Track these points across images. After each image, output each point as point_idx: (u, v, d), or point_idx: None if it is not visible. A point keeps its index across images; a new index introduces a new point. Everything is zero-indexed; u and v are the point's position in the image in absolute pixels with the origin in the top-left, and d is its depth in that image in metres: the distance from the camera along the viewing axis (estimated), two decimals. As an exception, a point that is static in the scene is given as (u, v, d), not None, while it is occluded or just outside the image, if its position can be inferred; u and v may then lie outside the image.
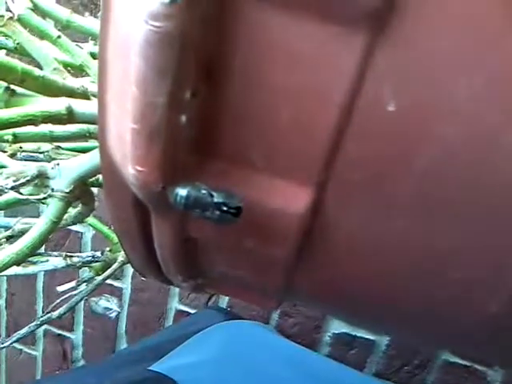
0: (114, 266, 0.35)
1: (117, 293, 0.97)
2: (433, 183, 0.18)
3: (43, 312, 0.96)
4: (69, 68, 0.34)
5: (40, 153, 0.38)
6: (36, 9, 0.33)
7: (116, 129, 0.18)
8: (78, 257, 0.34)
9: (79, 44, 0.35)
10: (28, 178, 0.29)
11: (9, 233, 0.37)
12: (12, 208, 0.33)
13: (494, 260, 0.21)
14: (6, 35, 0.34)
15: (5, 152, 0.33)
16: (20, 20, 0.28)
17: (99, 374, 0.61)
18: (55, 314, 0.34)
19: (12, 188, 0.28)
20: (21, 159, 0.38)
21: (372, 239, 0.21)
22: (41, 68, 0.31)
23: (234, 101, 0.18)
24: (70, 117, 0.24)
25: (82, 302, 0.97)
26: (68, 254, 0.34)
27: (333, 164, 0.19)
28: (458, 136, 0.18)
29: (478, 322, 0.23)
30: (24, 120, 0.22)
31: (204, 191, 0.18)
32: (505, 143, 0.18)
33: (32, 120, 0.23)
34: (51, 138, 0.28)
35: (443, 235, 0.20)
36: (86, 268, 0.41)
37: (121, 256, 0.35)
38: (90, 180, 0.34)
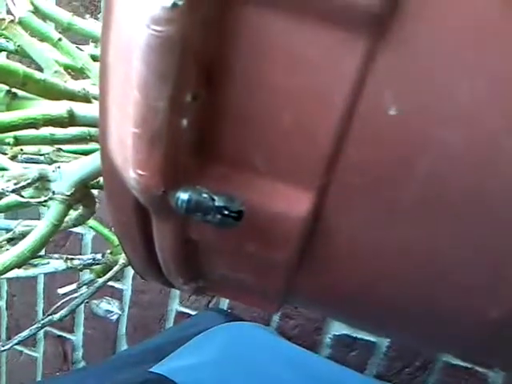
0: (115, 269, 0.35)
1: (117, 294, 0.97)
2: (435, 187, 0.18)
3: (44, 314, 0.96)
4: (69, 70, 0.34)
5: (41, 155, 0.38)
6: (37, 11, 0.33)
7: (117, 133, 0.18)
8: (78, 259, 0.34)
9: (80, 46, 0.35)
10: (29, 181, 0.29)
11: (10, 235, 0.37)
12: (13, 211, 0.33)
13: (494, 264, 0.21)
14: (6, 38, 0.34)
15: (5, 154, 0.33)
16: (21, 23, 0.28)
17: (100, 375, 0.61)
18: (56, 316, 0.34)
19: (13, 191, 0.28)
20: (21, 161, 0.38)
21: (373, 243, 0.21)
22: (41, 70, 0.31)
23: (234, 104, 0.18)
24: (71, 120, 0.24)
25: (83, 304, 0.97)
26: (69, 256, 0.34)
27: (334, 168, 0.19)
28: (459, 140, 0.18)
29: (478, 326, 0.23)
30: (25, 123, 0.22)
31: (205, 195, 0.18)
32: (507, 146, 0.18)
33: (33, 123, 0.23)
34: (52, 141, 0.28)
35: (445, 239, 0.20)
36: (87, 270, 0.41)
37: (122, 258, 0.35)
38: (91, 182, 0.34)
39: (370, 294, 0.23)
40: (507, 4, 0.16)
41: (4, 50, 0.35)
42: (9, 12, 0.30)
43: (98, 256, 0.35)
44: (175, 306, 0.97)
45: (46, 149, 0.38)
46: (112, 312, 0.37)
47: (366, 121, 0.18)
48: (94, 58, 0.33)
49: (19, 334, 0.33)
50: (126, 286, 0.98)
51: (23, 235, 0.35)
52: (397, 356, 0.84)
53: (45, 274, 1.02)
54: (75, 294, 0.35)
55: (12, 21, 0.29)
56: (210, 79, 0.17)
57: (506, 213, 0.19)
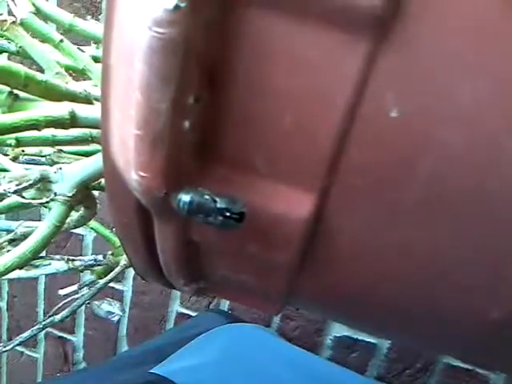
0: (117, 270, 0.35)
1: (118, 295, 0.97)
2: (436, 188, 0.18)
3: (45, 315, 0.96)
4: (71, 72, 0.34)
5: (42, 156, 0.38)
6: (38, 12, 0.33)
7: (119, 134, 0.18)
8: (80, 260, 0.34)
9: (81, 48, 0.35)
10: (30, 182, 0.29)
11: (11, 236, 0.37)
12: (14, 212, 0.33)
13: (494, 264, 0.21)
14: (8, 39, 0.34)
15: (7, 155, 0.33)
16: (22, 24, 0.29)
17: (100, 376, 0.61)
18: (58, 317, 0.34)
19: (14, 192, 0.28)
20: (23, 163, 0.38)
21: (375, 244, 0.21)
22: (43, 72, 0.31)
23: (236, 106, 0.18)
24: (72, 121, 0.24)
25: (83, 305, 0.97)
26: (70, 257, 0.34)
27: (336, 169, 0.19)
28: (460, 140, 0.18)
29: (479, 326, 0.23)
30: (27, 125, 0.22)
31: (207, 197, 0.18)
32: (507, 147, 0.18)
33: (35, 125, 0.23)
34: (53, 142, 0.28)
35: (446, 239, 0.20)
36: (88, 271, 0.41)
37: (123, 260, 0.35)
38: (92, 184, 0.34)
39: (371, 295, 0.23)
40: (507, 4, 0.16)
41: (5, 52, 0.35)
42: (10, 13, 0.30)
43: (100, 257, 0.35)
44: (176, 307, 0.97)
45: (47, 150, 0.38)
46: (113, 313, 0.37)
47: (367, 122, 0.18)
48: (96, 60, 0.33)
49: (20, 335, 0.33)
50: (127, 287, 0.98)
51: (24, 236, 0.35)
52: (397, 358, 0.83)
53: (46, 275, 1.02)
54: (76, 296, 0.35)
55: (13, 22, 0.29)
56: (213, 81, 0.18)
57: (507, 213, 0.19)
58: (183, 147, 0.18)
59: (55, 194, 0.27)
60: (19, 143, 0.27)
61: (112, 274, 0.34)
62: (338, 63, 0.17)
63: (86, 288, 0.38)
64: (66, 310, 0.34)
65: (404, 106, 0.17)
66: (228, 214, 0.18)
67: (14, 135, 0.27)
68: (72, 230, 0.91)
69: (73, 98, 0.26)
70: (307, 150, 0.19)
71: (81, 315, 1.03)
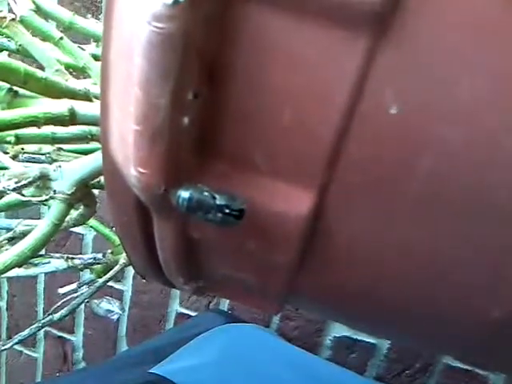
0: (116, 269, 0.35)
1: (117, 295, 0.97)
2: (435, 186, 0.18)
3: (44, 314, 0.96)
4: (71, 70, 0.34)
5: (42, 154, 0.38)
6: (38, 10, 0.33)
7: (118, 130, 0.18)
8: (79, 259, 0.34)
9: (81, 46, 0.35)
10: (30, 180, 0.29)
11: (10, 234, 0.37)
12: (13, 210, 0.33)
13: (494, 264, 0.21)
14: (8, 37, 0.34)
15: (6, 153, 0.33)
16: (22, 21, 0.29)
17: (100, 376, 0.61)
18: (56, 316, 0.34)
19: (14, 190, 0.28)
20: (22, 161, 0.38)
21: (374, 243, 0.21)
22: (43, 69, 0.31)
23: (235, 102, 0.18)
24: (72, 118, 0.24)
25: (83, 305, 0.97)
26: (70, 256, 0.34)
27: (335, 166, 0.19)
28: (459, 138, 0.18)
29: (479, 326, 0.23)
30: (26, 121, 0.22)
31: (206, 193, 0.18)
32: (506, 145, 0.18)
33: (34, 121, 0.23)
34: (53, 140, 0.28)
35: (445, 239, 0.20)
36: (87, 270, 0.41)
37: (122, 258, 0.35)
38: (92, 182, 0.34)
39: (370, 294, 0.23)
40: (507, 1, 0.16)
41: (5, 50, 0.35)
42: (10, 11, 0.30)
43: (99, 256, 0.35)
44: (175, 306, 0.97)
45: (46, 148, 0.38)
46: (113, 312, 0.37)
47: (366, 120, 0.18)
48: (96, 58, 0.33)
49: (19, 333, 0.33)
50: (127, 286, 0.98)
51: (24, 234, 0.35)
52: (397, 358, 0.83)
53: (45, 274, 1.02)
54: (75, 294, 0.35)
55: (13, 19, 0.29)
56: (212, 77, 0.17)
57: (506, 211, 0.19)
58: (182, 143, 0.18)
59: (54, 191, 0.27)
60: (19, 140, 0.27)
61: (111, 273, 0.34)
62: (337, 60, 0.17)
63: (85, 287, 0.37)
64: (65, 309, 0.34)
65: (403, 102, 0.17)
66: (227, 210, 0.18)
67: (13, 132, 0.27)
68: (72, 229, 0.91)
69: (72, 95, 0.26)
70: (306, 146, 0.18)
71: (80, 315, 1.03)
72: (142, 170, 0.17)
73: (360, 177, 0.19)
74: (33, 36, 0.31)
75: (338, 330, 0.86)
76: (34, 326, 0.33)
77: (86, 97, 0.27)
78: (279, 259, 0.22)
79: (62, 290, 0.37)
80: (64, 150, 0.37)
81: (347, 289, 0.23)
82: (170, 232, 0.23)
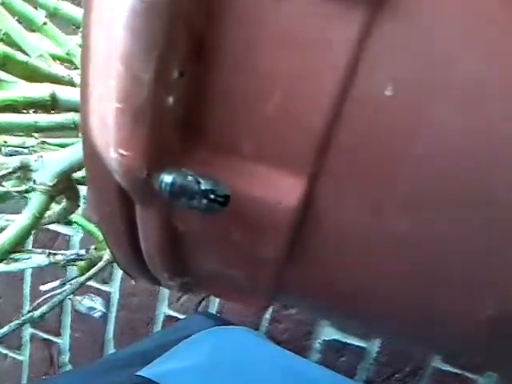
0: (100, 265, 0.34)
1: (105, 297, 0.96)
2: (430, 172, 0.18)
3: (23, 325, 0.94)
4: (55, 60, 0.33)
5: (25, 147, 0.37)
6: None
7: (99, 110, 0.17)
8: (62, 255, 0.33)
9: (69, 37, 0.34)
10: (10, 170, 0.28)
11: (-9, 229, 0.36)
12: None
13: (490, 258, 0.20)
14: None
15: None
16: (3, 4, 0.27)
17: (86, 378, 0.60)
18: (37, 313, 0.33)
19: (-7, 180, 0.27)
20: (5, 154, 0.37)
21: (363, 235, 0.20)
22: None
23: (222, 84, 0.17)
24: (53, 103, 0.23)
25: (70, 306, 0.95)
26: (52, 251, 0.33)
27: (326, 153, 0.18)
28: (457, 123, 0.17)
29: (474, 325, 0.22)
30: (4, 105, 0.21)
31: (190, 178, 0.17)
32: (503, 129, 0.17)
33: (12, 105, 0.22)
34: (36, 129, 0.27)
35: (438, 229, 0.19)
36: (75, 269, 0.40)
37: (106, 254, 0.34)
38: (78, 177, 0.33)
39: (359, 288, 0.22)
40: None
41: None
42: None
43: (82, 252, 0.34)
44: (164, 309, 0.96)
45: (30, 141, 0.37)
46: (95, 309, 0.36)
47: (359, 103, 0.17)
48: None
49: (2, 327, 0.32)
50: (114, 288, 0.96)
51: (4, 230, 0.34)
52: (387, 362, 0.83)
53: (31, 275, 1.00)
54: (59, 290, 0.34)
55: (-4, 4, 0.28)
56: (199, 54, 0.17)
57: (503, 200, 0.18)
58: (166, 124, 0.17)
59: (34, 181, 0.26)
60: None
61: (95, 269, 0.33)
62: (331, 36, 0.16)
63: (69, 284, 0.36)
64: (46, 306, 0.33)
65: (399, 82, 0.16)
66: (212, 196, 0.17)
67: (-7, 120, 0.26)
68: (59, 231, 0.89)
69: (55, 81, 0.25)
70: (295, 132, 0.18)
71: (67, 317, 1.01)
72: (123, 152, 0.16)
73: (351, 164, 0.18)
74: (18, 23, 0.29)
75: (328, 333, 0.85)
76: (13, 323, 0.32)
77: (70, 84, 0.26)
78: (267, 251, 0.21)
79: (44, 287, 0.36)
80: (48, 144, 0.36)
81: (335, 281, 0.22)
82: (153, 222, 0.22)
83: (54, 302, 0.33)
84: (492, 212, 0.19)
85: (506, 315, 0.22)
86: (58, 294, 0.33)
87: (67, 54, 0.28)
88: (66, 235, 0.96)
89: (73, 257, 0.33)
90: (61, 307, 0.99)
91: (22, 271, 1.00)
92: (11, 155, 0.37)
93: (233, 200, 0.18)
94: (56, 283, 0.35)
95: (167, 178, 0.17)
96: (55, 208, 0.34)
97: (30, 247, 0.38)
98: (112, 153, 0.17)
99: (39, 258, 0.33)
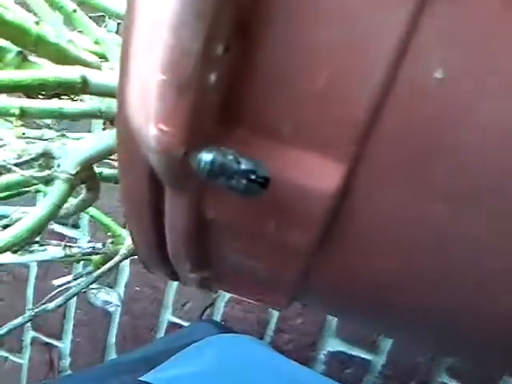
0: (116, 259, 0.33)
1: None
2: (477, 164, 0.17)
3: (33, 320, 0.93)
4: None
5: (44, 140, 0.36)
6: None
7: (140, 84, 0.17)
8: (78, 247, 0.33)
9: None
10: (32, 156, 0.28)
11: (6, 221, 0.36)
12: (12, 191, 0.31)
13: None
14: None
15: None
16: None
17: (87, 382, 0.59)
18: (51, 305, 0.32)
19: (15, 165, 0.27)
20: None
21: (403, 224, 0.19)
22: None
23: (267, 61, 0.17)
24: (83, 86, 0.22)
25: (73, 311, 0.94)
26: (67, 243, 0.32)
27: (370, 137, 0.17)
28: (506, 115, 0.17)
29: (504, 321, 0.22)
30: (35, 84, 0.21)
31: (231, 157, 0.17)
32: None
33: (43, 85, 0.21)
34: (60, 115, 0.26)
35: (483, 222, 0.18)
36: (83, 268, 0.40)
37: (123, 248, 0.34)
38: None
39: (391, 285, 0.22)
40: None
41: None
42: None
43: (99, 245, 0.33)
44: (167, 316, 0.95)
45: (49, 133, 0.36)
46: (110, 303, 0.36)
47: (408, 82, 0.16)
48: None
49: (10, 322, 0.31)
50: (118, 293, 0.96)
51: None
52: (392, 375, 0.81)
53: (35, 278, 0.99)
54: (71, 284, 0.33)
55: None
56: (244, 30, 0.16)
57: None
58: (208, 102, 0.17)
59: (58, 165, 0.25)
60: (23, 113, 0.25)
61: (111, 263, 0.33)
62: (384, 11, 0.15)
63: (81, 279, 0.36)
64: (60, 298, 0.32)
65: (449, 65, 0.16)
66: (253, 177, 0.17)
67: (18, 104, 0.26)
68: (66, 234, 0.88)
69: (84, 65, 0.24)
70: (340, 112, 0.17)
71: (69, 321, 1.00)
72: (163, 128, 0.16)
73: (394, 151, 0.18)
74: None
75: (333, 344, 0.84)
76: (26, 315, 0.31)
77: (98, 69, 0.25)
78: (298, 240, 0.20)
79: (56, 282, 0.35)
80: (67, 137, 0.36)
81: (365, 275, 0.22)
82: (182, 209, 0.21)
83: (68, 295, 0.32)
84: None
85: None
86: (70, 289, 0.32)
87: (95, 42, 0.28)
88: (73, 238, 0.96)
89: (89, 250, 0.32)
90: (64, 311, 0.98)
91: (27, 274, 0.99)
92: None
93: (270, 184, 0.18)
94: (69, 277, 0.35)
95: (207, 157, 0.16)
96: (72, 201, 0.34)
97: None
98: (151, 129, 0.16)
99: (54, 250, 0.32)
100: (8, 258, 0.33)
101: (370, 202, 0.19)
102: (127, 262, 0.90)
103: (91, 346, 1.01)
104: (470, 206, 0.18)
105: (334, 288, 0.24)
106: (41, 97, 0.32)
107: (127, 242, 0.34)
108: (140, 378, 0.55)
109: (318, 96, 0.17)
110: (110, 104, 0.27)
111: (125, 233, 0.35)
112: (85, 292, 0.33)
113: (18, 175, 0.30)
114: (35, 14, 0.26)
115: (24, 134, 0.36)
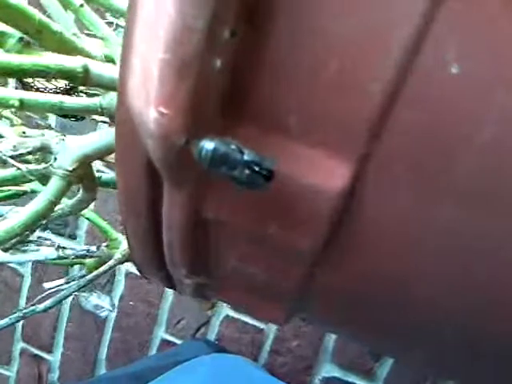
0: (110, 263, 0.32)
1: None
2: (495, 163, 0.16)
3: (23, 331, 0.91)
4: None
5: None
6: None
7: (142, 64, 0.16)
8: (71, 249, 0.32)
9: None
10: (29, 150, 0.27)
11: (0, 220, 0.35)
12: (8, 185, 0.30)
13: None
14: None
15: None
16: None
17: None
18: (40, 307, 0.31)
19: (11, 157, 0.26)
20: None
21: (412, 230, 0.18)
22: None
23: (274, 49, 0.16)
24: (85, 76, 0.22)
25: (64, 323, 0.92)
26: (61, 245, 0.31)
27: (380, 134, 0.17)
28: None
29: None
30: (36, 69, 0.20)
31: (233, 146, 0.16)
32: None
33: (44, 71, 0.20)
34: (60, 110, 0.26)
35: (502, 228, 0.17)
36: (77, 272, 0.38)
37: (118, 253, 0.33)
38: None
39: (399, 295, 0.21)
40: None
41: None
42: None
43: (93, 248, 0.32)
44: (160, 332, 0.93)
45: (49, 134, 0.36)
46: (102, 308, 0.34)
47: (424, 76, 0.15)
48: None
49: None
50: (112, 306, 0.94)
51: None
52: (388, 404, 0.79)
53: (28, 290, 0.98)
54: (63, 287, 0.32)
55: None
56: (252, 15, 0.15)
57: None
58: (211, 89, 0.16)
59: (55, 159, 0.24)
60: (23, 105, 0.25)
61: (104, 267, 0.32)
62: (400, 1, 0.15)
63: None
64: (51, 300, 0.31)
65: (466, 61, 0.15)
66: (257, 168, 0.16)
67: (18, 95, 0.25)
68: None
69: (87, 56, 0.24)
70: (350, 106, 0.16)
71: (60, 333, 0.98)
72: (163, 111, 0.15)
73: (406, 149, 0.17)
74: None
75: (329, 369, 0.82)
76: (14, 316, 0.30)
77: (101, 61, 0.25)
78: (302, 244, 0.19)
79: (47, 285, 0.34)
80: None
81: (371, 284, 0.21)
82: (180, 207, 0.20)
83: (59, 297, 0.31)
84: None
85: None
86: (63, 289, 0.31)
87: (101, 38, 0.28)
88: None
89: (83, 252, 0.31)
90: (55, 322, 0.96)
91: (20, 281, 0.97)
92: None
93: (273, 184, 0.17)
94: (61, 281, 0.33)
95: (209, 145, 0.16)
96: (67, 202, 0.33)
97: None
98: (151, 112, 0.15)
99: (47, 251, 0.31)
100: (0, 256, 0.31)
101: (378, 205, 0.18)
102: (123, 275, 0.89)
103: (81, 359, 0.99)
104: (485, 209, 0.17)
105: (334, 298, 0.23)
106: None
107: (123, 247, 0.33)
108: (129, 394, 0.54)
109: (328, 89, 0.16)
110: (111, 101, 0.26)
111: (121, 237, 0.34)
112: (76, 296, 0.32)
113: (13, 169, 0.29)
114: (44, 13, 0.25)
115: (24, 132, 0.36)
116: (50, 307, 0.31)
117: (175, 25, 0.14)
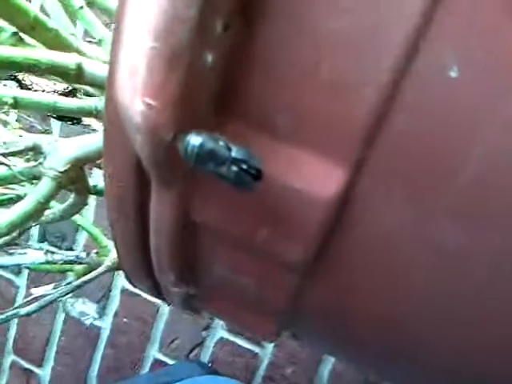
0: (99, 270, 0.31)
1: (95, 331, 0.92)
2: (495, 176, 0.16)
3: (14, 344, 0.89)
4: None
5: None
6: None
7: (130, 56, 0.15)
8: (60, 254, 0.31)
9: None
10: (21, 149, 0.26)
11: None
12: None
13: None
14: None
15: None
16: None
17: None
18: (23, 310, 0.30)
19: (2, 155, 0.25)
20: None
21: (406, 241, 0.18)
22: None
23: (266, 46, 0.16)
24: (78, 74, 0.21)
25: (57, 337, 0.90)
26: (50, 249, 0.31)
27: (376, 139, 0.16)
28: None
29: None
30: (27, 63, 0.20)
31: (221, 143, 0.15)
32: None
33: (36, 66, 0.20)
34: (54, 110, 0.25)
35: (494, 244, 0.17)
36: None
37: (107, 260, 0.32)
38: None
39: (393, 308, 0.20)
40: None
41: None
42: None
43: (83, 254, 0.32)
44: (153, 352, 0.92)
45: (46, 139, 0.35)
46: (88, 315, 0.33)
47: (420, 81, 0.15)
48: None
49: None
50: (106, 324, 0.93)
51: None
52: None
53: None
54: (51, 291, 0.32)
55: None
56: (245, 10, 0.15)
57: None
58: (201, 84, 0.15)
59: (45, 157, 0.24)
60: (17, 104, 0.24)
61: (93, 274, 0.31)
62: (397, 1, 0.14)
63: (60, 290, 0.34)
64: (35, 304, 0.30)
65: (465, 65, 0.15)
66: (244, 166, 0.15)
67: (11, 94, 0.24)
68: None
69: (83, 56, 0.23)
70: (343, 109, 0.16)
71: (52, 348, 0.96)
72: (151, 102, 0.15)
73: (402, 156, 0.16)
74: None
75: (323, 398, 0.80)
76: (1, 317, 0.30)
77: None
78: (293, 253, 0.19)
79: (35, 291, 0.33)
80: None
81: (365, 299, 0.20)
82: (169, 207, 0.20)
83: (44, 301, 0.30)
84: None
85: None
86: (48, 294, 0.31)
87: (99, 40, 0.27)
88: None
89: (72, 258, 0.31)
90: (48, 337, 0.95)
91: (15, 292, 0.96)
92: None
93: (263, 186, 0.16)
94: (49, 287, 0.33)
95: (195, 140, 0.15)
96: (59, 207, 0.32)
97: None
98: (137, 104, 0.15)
99: (36, 255, 0.31)
100: (-14, 259, 0.31)
101: (371, 214, 0.18)
102: (118, 290, 0.87)
103: (72, 375, 0.97)
104: (484, 223, 0.16)
105: (325, 313, 0.22)
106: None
107: (112, 255, 0.32)
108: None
109: (319, 90, 0.16)
110: (106, 102, 0.26)
111: (111, 245, 0.33)
112: (61, 300, 0.31)
113: (4, 170, 0.28)
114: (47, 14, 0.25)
115: (21, 136, 0.35)
116: (33, 311, 0.30)
117: (166, 14, 0.13)
